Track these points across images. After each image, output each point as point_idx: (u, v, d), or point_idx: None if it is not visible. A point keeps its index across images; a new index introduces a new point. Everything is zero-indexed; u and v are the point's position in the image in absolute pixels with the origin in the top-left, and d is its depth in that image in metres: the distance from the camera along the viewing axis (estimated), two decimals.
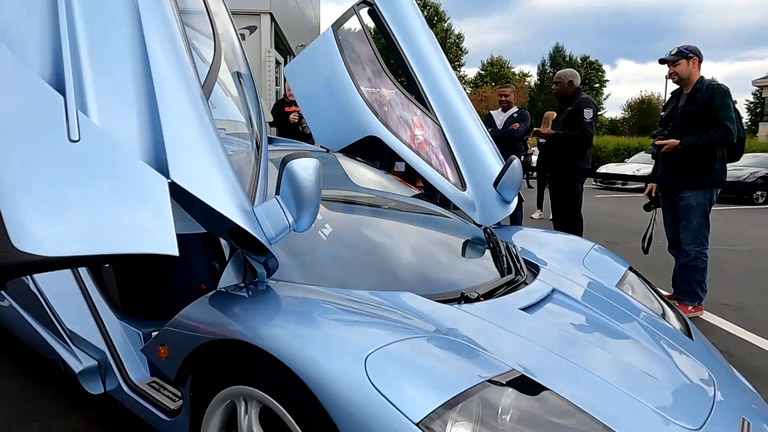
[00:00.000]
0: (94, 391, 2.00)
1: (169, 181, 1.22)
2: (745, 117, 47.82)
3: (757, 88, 38.69)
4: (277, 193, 1.38)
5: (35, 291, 2.12)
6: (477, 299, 1.56)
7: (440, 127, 2.66)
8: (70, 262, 1.08)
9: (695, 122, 3.44)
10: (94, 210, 1.13)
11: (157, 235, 1.17)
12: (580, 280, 1.98)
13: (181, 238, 2.74)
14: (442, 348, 1.18)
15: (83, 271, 2.19)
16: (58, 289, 2.14)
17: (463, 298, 1.56)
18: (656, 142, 3.58)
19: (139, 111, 1.29)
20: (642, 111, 44.30)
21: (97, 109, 1.24)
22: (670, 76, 3.59)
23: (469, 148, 2.64)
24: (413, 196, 2.58)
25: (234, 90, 1.88)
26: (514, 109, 5.62)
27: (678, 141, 3.46)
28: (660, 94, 43.72)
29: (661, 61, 3.57)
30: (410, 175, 4.90)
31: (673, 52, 3.51)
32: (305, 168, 1.35)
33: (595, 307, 1.74)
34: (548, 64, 38.51)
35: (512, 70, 41.46)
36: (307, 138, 5.92)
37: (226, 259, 1.81)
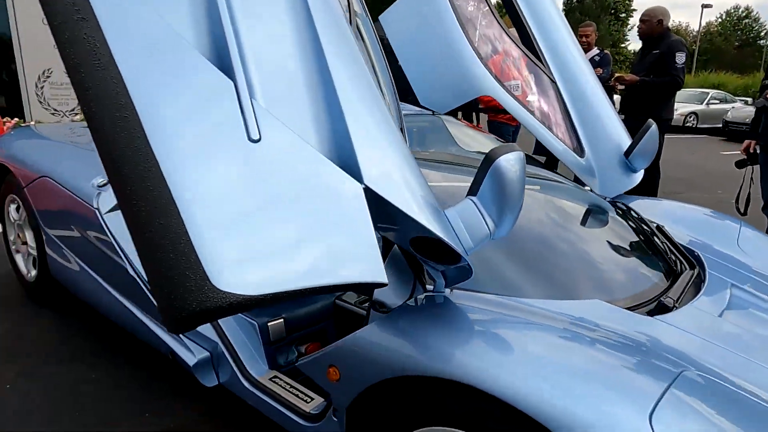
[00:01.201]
0: (209, 384, 1.87)
1: (363, 186, 0.99)
2: None
3: None
4: (472, 193, 1.15)
5: (137, 277, 1.96)
6: (673, 307, 1.35)
7: (556, 85, 2.35)
8: (275, 299, 0.87)
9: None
10: (290, 233, 0.90)
11: (362, 258, 0.95)
12: (748, 269, 1.76)
13: None
14: (715, 393, 0.99)
15: None
16: None
17: (660, 307, 1.35)
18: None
19: (313, 100, 1.03)
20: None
21: (263, 98, 0.98)
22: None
23: (590, 110, 2.34)
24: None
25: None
26: (595, 50, 4.79)
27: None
28: (689, 24, 41.15)
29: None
30: None
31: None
32: (512, 164, 1.10)
33: None
34: None
35: None
36: None
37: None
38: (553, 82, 2.34)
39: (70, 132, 2.96)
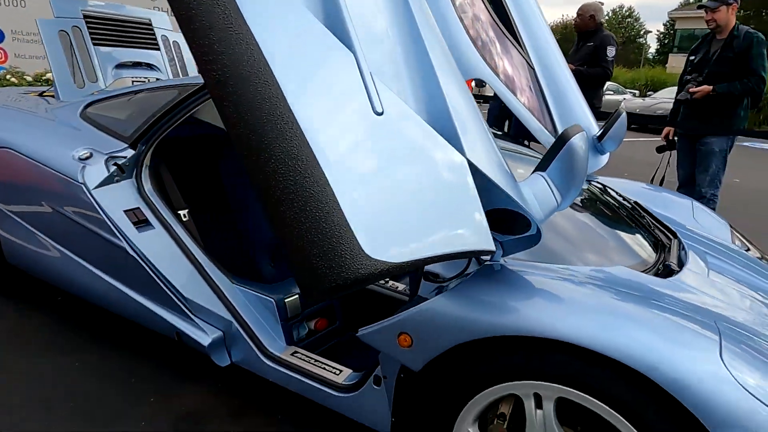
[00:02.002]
0: (222, 363, 1.84)
1: (466, 160, 1.05)
2: (654, 47, 50.55)
3: (670, 19, 40.62)
4: (542, 169, 1.25)
5: (136, 256, 1.85)
6: (677, 270, 1.56)
7: (531, 65, 2.51)
8: (412, 266, 0.91)
9: (730, 70, 3.55)
10: (417, 205, 0.95)
11: (476, 227, 1.02)
12: (709, 239, 2.05)
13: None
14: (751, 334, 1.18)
15: (183, 234, 1.92)
16: (164, 255, 1.87)
17: (668, 271, 1.55)
18: (690, 89, 3.66)
19: (411, 77, 1.06)
20: (564, 36, 45.23)
21: (375, 73, 1.00)
22: (707, 22, 3.62)
23: (560, 90, 2.53)
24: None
25: None
26: None
27: (711, 87, 3.57)
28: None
29: (699, 7, 3.57)
30: None
31: None
32: (581, 144, 1.22)
33: (748, 270, 1.83)
34: None
35: None
36: None
37: None
38: (531, 66, 2.50)
39: (14, 99, 2.64)
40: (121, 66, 2.90)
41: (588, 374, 1.09)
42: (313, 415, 1.84)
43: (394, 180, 0.93)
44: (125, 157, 2.00)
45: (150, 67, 3.08)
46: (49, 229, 2.07)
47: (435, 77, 1.07)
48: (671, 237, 1.89)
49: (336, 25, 0.96)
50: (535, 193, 1.22)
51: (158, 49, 3.16)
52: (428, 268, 1.44)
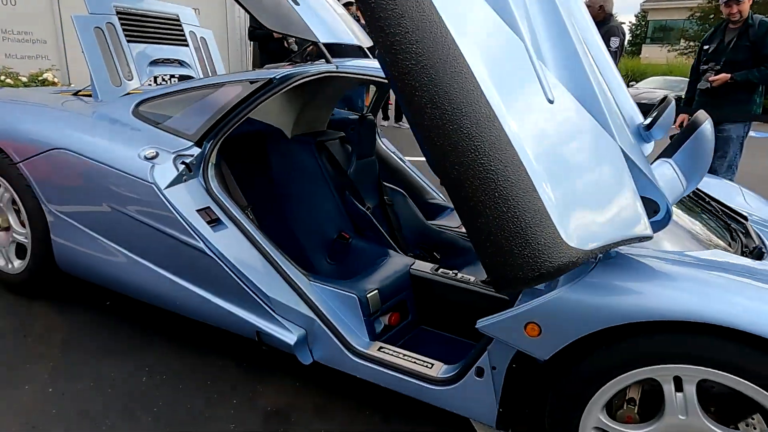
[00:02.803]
0: (306, 361, 1.82)
1: (619, 147, 1.06)
2: (628, 37, 51.41)
3: (642, 11, 41.36)
4: (667, 155, 1.26)
5: (214, 256, 1.81)
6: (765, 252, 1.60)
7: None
8: (599, 252, 0.91)
9: (746, 58, 3.63)
10: (594, 192, 0.95)
11: (635, 213, 1.03)
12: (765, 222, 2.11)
13: (310, 187, 2.47)
14: None
15: (256, 232, 1.89)
16: (241, 254, 1.84)
17: (757, 252, 1.59)
18: (710, 78, 3.74)
19: (562, 66, 1.06)
20: None
21: (539, 60, 1.00)
22: (731, 15, 3.68)
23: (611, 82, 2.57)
24: None
25: None
26: None
27: (730, 75, 3.65)
28: None
29: (727, 4, 3.63)
30: None
31: None
32: (709, 131, 1.23)
33: None
34: None
35: None
36: (291, 53, 5.35)
37: None
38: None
39: (53, 99, 2.54)
40: (154, 63, 2.82)
41: (737, 355, 1.11)
42: (399, 409, 1.84)
43: (572, 168, 0.93)
44: (192, 156, 1.95)
45: (180, 63, 3.00)
46: (112, 232, 2.01)
47: (582, 67, 1.07)
48: (743, 221, 1.93)
49: (508, 17, 0.95)
50: (662, 179, 1.23)
51: (187, 45, 3.09)
52: None
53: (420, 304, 2.09)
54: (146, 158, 1.91)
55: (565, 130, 0.96)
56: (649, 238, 1.08)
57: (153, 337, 2.16)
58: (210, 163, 1.98)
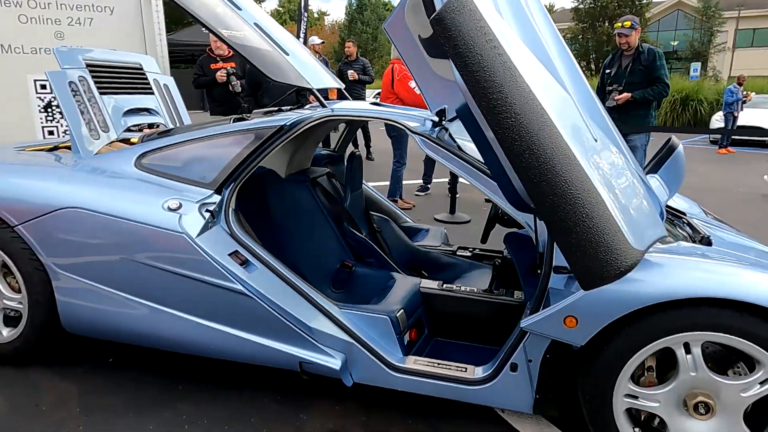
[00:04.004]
0: (349, 383, 1.97)
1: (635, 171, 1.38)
2: None
3: None
4: (654, 171, 1.61)
5: (253, 296, 1.91)
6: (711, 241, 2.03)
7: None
8: (643, 254, 1.20)
9: (641, 79, 4.35)
10: (635, 205, 1.25)
11: (657, 219, 1.34)
12: (700, 216, 2.60)
13: (309, 221, 2.67)
14: None
15: (283, 268, 2.02)
16: (276, 291, 1.96)
17: (706, 241, 2.01)
18: (616, 97, 4.41)
19: (586, 111, 1.37)
20: None
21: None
22: (621, 44, 4.40)
23: None
24: None
25: None
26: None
27: (630, 94, 4.34)
28: None
29: (620, 35, 4.34)
30: None
31: (627, 25, 4.31)
32: (682, 151, 1.60)
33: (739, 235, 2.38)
34: (354, 4, 39.09)
35: (310, 7, 40.25)
36: (236, 96, 5.43)
37: None
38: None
39: (35, 157, 2.46)
40: (126, 113, 2.82)
41: (730, 319, 1.46)
42: (437, 413, 2.03)
43: (619, 187, 1.22)
44: (214, 203, 2.04)
45: (149, 112, 3.01)
46: (134, 285, 2.02)
47: (600, 110, 1.38)
48: (683, 216, 2.39)
49: (558, 78, 1.23)
50: (656, 190, 1.58)
51: (152, 93, 3.10)
52: (559, 262, 1.74)
53: (431, 318, 2.31)
54: (170, 209, 1.97)
55: (607, 160, 1.25)
56: (665, 236, 1.40)
57: (179, 387, 2.17)
58: (230, 209, 2.07)
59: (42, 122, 6.35)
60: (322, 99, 2.33)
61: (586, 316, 1.55)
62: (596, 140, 1.25)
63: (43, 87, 6.31)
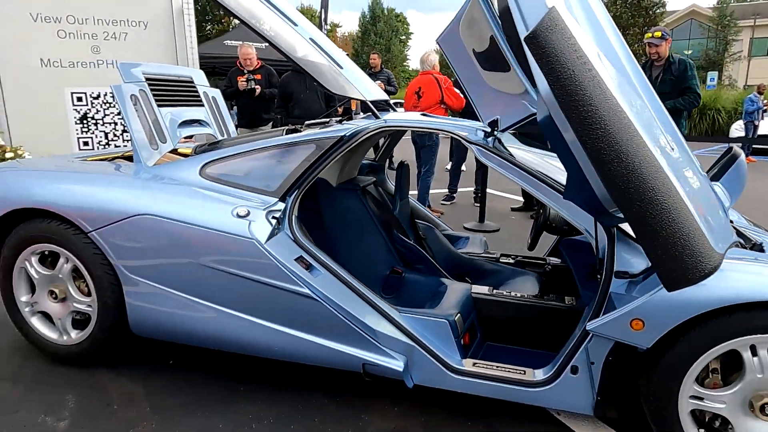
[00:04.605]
0: (410, 385, 2.03)
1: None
2: None
3: None
4: (716, 179, 1.67)
5: (320, 300, 1.99)
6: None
7: None
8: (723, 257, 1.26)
9: (672, 89, 4.40)
10: (707, 210, 1.31)
11: (727, 224, 1.40)
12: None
13: (360, 229, 2.74)
14: None
15: (345, 273, 2.10)
16: (341, 295, 2.03)
17: (759, 247, 2.05)
18: None
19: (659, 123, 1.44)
20: (443, 63, 48.68)
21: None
22: (651, 54, 4.45)
23: None
24: None
25: None
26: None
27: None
28: None
29: (650, 45, 4.40)
30: None
31: (657, 36, 4.37)
32: (745, 161, 1.66)
33: None
34: (368, 16, 39.58)
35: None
36: (257, 99, 5.67)
37: None
38: None
39: (104, 165, 2.57)
40: (181, 124, 2.93)
41: None
42: (492, 414, 2.08)
43: (697, 194, 1.28)
44: (279, 210, 2.13)
45: (200, 123, 3.13)
46: (203, 289, 2.10)
47: (669, 119, 1.45)
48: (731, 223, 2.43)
49: (634, 88, 1.31)
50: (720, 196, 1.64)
51: (203, 105, 3.22)
52: (618, 266, 1.80)
53: (482, 323, 2.37)
54: (239, 216, 2.06)
55: (683, 167, 1.31)
56: (736, 242, 1.46)
57: (240, 388, 2.25)
58: (293, 216, 2.16)
59: (78, 133, 6.55)
60: (375, 110, 2.42)
61: (653, 319, 1.61)
62: (673, 149, 1.32)
63: (79, 99, 6.52)
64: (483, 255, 3.00)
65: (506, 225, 5.34)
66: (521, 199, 6.12)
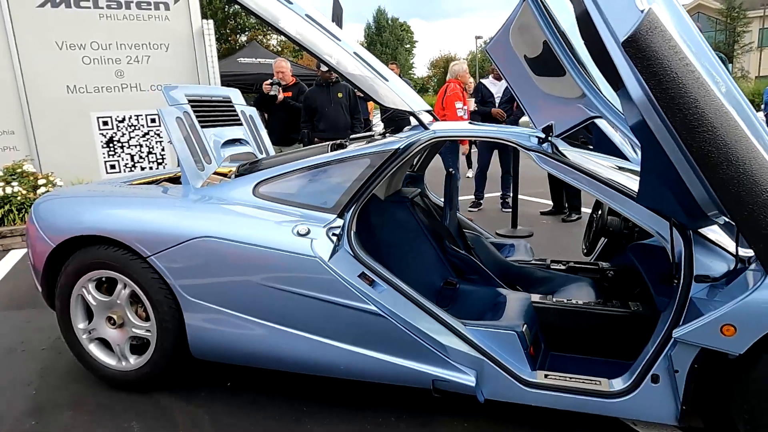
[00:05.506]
0: (482, 399, 1.98)
1: None
2: None
3: None
4: None
5: (387, 316, 1.95)
6: None
7: None
8: None
9: None
10: None
11: None
12: None
13: (411, 241, 2.68)
14: None
15: (408, 288, 2.06)
16: (407, 310, 2.00)
17: None
18: None
19: None
20: (446, 69, 48.98)
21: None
22: None
23: None
24: None
25: None
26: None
27: None
28: (456, 53, 48.48)
29: None
30: None
31: None
32: None
33: None
34: (373, 27, 39.84)
35: None
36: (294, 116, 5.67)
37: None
38: None
39: (153, 189, 2.58)
40: (224, 144, 2.94)
41: None
42: (561, 426, 2.03)
43: None
44: (338, 227, 2.10)
45: (240, 142, 3.13)
46: (265, 310, 2.08)
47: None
48: None
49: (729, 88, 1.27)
50: None
51: (241, 124, 3.22)
52: (700, 271, 1.75)
53: (544, 332, 2.32)
54: (299, 234, 2.04)
55: None
56: None
57: (303, 408, 2.22)
58: (352, 232, 2.13)
59: (105, 156, 6.63)
60: (423, 121, 2.40)
61: (745, 323, 1.55)
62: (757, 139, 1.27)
63: (105, 123, 6.61)
64: (533, 262, 2.95)
65: (539, 230, 5.28)
66: (550, 203, 6.05)
